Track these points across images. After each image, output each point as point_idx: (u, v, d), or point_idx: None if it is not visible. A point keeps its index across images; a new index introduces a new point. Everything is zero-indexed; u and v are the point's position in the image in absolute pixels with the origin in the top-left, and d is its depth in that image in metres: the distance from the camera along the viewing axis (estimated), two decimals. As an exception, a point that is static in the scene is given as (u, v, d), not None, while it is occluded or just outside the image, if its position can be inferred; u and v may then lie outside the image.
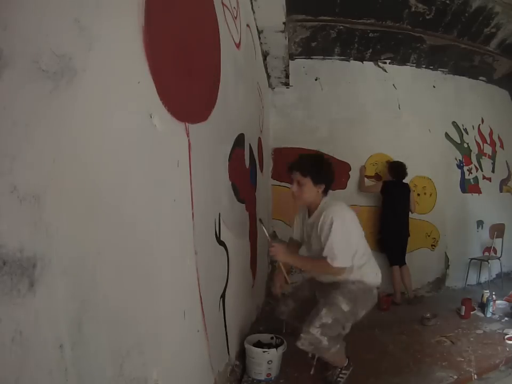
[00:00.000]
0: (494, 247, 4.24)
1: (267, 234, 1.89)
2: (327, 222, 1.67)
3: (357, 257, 1.74)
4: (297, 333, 1.70)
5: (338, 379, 1.89)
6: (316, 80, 4.08)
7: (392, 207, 3.73)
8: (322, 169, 1.75)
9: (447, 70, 4.39)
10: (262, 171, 3.18)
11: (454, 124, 4.41)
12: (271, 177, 3.94)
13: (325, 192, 1.80)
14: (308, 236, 1.88)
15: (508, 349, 2.40)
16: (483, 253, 4.37)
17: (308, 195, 1.76)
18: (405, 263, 3.68)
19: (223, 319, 1.74)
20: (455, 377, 2.05)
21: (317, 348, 1.68)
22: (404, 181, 3.75)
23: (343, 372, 1.91)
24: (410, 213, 3.78)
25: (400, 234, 3.71)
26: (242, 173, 2.26)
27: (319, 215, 1.74)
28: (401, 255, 3.71)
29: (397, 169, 3.73)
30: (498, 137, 4.74)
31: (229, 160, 1.85)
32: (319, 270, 1.77)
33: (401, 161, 3.78)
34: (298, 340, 1.66)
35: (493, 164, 4.67)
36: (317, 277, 1.96)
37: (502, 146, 4.77)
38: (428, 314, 2.98)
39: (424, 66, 4.30)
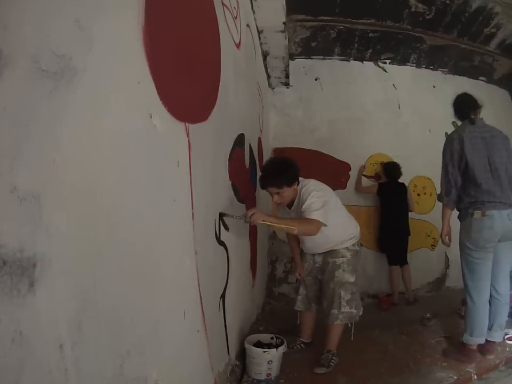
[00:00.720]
0: (494, 247, 4.24)
1: (236, 216, 1.78)
2: (305, 196, 1.91)
3: (344, 225, 2.09)
4: (321, 313, 2.19)
5: (331, 363, 2.11)
6: (316, 80, 4.08)
7: (389, 208, 3.72)
8: (290, 173, 1.95)
9: (447, 70, 4.39)
10: (262, 171, 3.18)
11: (454, 124, 4.38)
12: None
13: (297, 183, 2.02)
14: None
15: (507, 349, 2.39)
16: (483, 253, 4.36)
17: (289, 197, 2.00)
18: (406, 263, 3.67)
19: (223, 319, 1.74)
20: (455, 377, 2.05)
21: (352, 317, 2.11)
22: (400, 180, 3.75)
23: (334, 358, 2.13)
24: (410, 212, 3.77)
25: (399, 234, 3.69)
26: (242, 173, 2.26)
27: (298, 200, 1.99)
28: (401, 254, 3.70)
29: (391, 170, 3.72)
30: (499, 137, 4.73)
31: (229, 160, 1.85)
32: (300, 226, 1.83)
33: (395, 161, 3.78)
34: (336, 320, 2.06)
35: (493, 164, 4.66)
36: (313, 249, 2.21)
37: (502, 146, 4.76)
38: (428, 314, 2.97)
39: (424, 66, 4.30)
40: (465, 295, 2.23)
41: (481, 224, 2.10)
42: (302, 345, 2.38)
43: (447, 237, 2.34)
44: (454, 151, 2.36)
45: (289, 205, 2.07)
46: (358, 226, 2.25)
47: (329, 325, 2.14)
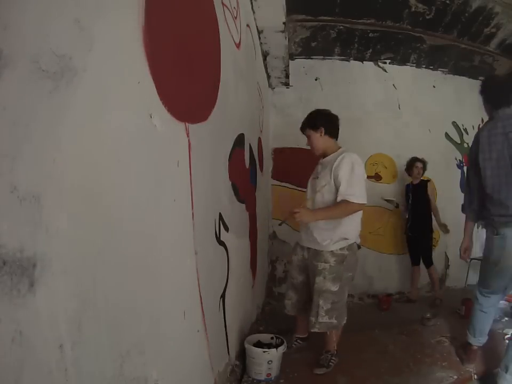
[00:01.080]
0: (494, 247, 4.24)
1: (284, 220, 2.01)
2: (346, 162, 1.88)
3: (351, 220, 1.93)
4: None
5: (330, 363, 2.09)
6: (316, 80, 4.08)
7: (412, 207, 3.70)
8: (315, 117, 2.05)
9: (447, 70, 4.39)
10: (262, 171, 3.18)
11: (454, 124, 4.41)
12: (271, 177, 3.94)
13: (331, 136, 2.08)
14: (313, 185, 2.06)
15: (508, 349, 2.39)
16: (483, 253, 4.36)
17: (316, 142, 2.05)
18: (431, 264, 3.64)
19: (223, 319, 1.74)
20: (455, 377, 2.05)
21: (331, 327, 2.01)
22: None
23: (333, 358, 2.11)
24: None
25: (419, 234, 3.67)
26: (242, 173, 2.26)
27: (334, 158, 1.96)
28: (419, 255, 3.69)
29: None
30: (498, 137, 4.73)
31: (229, 160, 1.85)
32: (343, 214, 1.84)
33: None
34: (314, 328, 1.98)
35: (493, 164, 4.66)
36: (305, 240, 2.11)
37: (502, 146, 4.76)
38: (428, 314, 2.98)
39: (424, 66, 4.30)
40: (474, 297, 2.17)
41: (492, 244, 1.85)
42: (299, 341, 2.37)
43: (466, 252, 2.13)
44: (471, 154, 1.99)
45: (324, 156, 2.07)
46: (358, 229, 2.06)
47: (325, 335, 2.11)
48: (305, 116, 2.17)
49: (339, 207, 1.83)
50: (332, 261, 1.94)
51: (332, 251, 1.95)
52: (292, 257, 2.21)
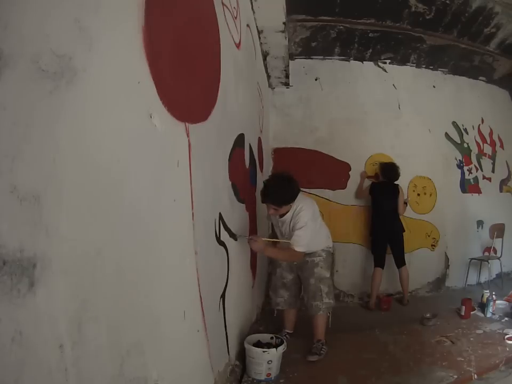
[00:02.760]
0: (494, 247, 4.24)
1: (244, 236, 2.15)
2: (300, 220, 2.14)
3: (318, 235, 2.32)
4: (304, 308, 2.47)
5: (322, 351, 2.28)
6: (316, 80, 4.08)
7: (378, 209, 3.66)
8: (290, 194, 2.12)
9: (447, 70, 4.39)
10: (262, 171, 3.18)
11: (454, 124, 4.41)
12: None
13: None
14: (280, 230, 2.36)
15: (508, 349, 2.39)
16: (483, 253, 4.37)
17: (284, 211, 2.19)
18: (404, 265, 3.61)
19: (223, 319, 1.74)
20: (455, 377, 2.05)
21: (330, 307, 2.35)
22: (398, 181, 3.69)
23: (324, 346, 2.31)
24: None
25: (388, 236, 3.61)
26: (242, 173, 2.26)
27: (291, 215, 2.20)
28: (394, 257, 3.64)
29: (389, 171, 3.66)
30: (498, 137, 4.74)
31: (229, 160, 1.85)
32: (287, 258, 2.29)
33: (395, 163, 3.72)
34: (319, 311, 2.30)
35: (493, 163, 4.67)
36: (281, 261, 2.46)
37: (502, 146, 4.77)
38: (428, 314, 2.97)
39: (424, 66, 4.30)
40: None
41: None
42: (287, 336, 2.51)
43: None
44: None
45: (281, 215, 2.26)
46: (330, 236, 2.50)
47: (314, 316, 2.35)
48: (270, 185, 2.12)
49: (285, 253, 2.22)
50: (323, 254, 2.39)
51: (322, 249, 2.40)
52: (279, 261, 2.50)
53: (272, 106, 4.02)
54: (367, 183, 3.96)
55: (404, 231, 3.65)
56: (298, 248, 2.13)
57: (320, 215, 2.44)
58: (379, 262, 3.61)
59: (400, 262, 3.62)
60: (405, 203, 3.74)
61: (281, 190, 2.08)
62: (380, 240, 3.64)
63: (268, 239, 2.31)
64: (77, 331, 0.67)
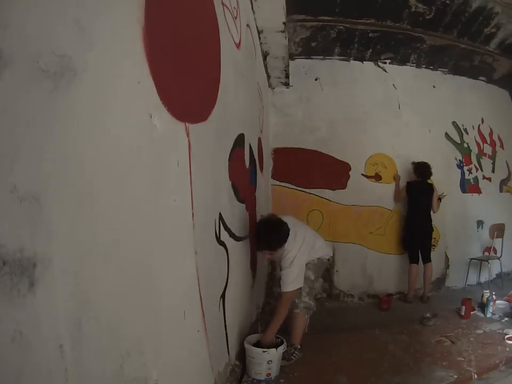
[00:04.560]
0: (494, 247, 4.25)
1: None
2: (284, 263, 2.18)
3: (312, 252, 2.34)
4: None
5: (292, 356, 2.23)
6: (316, 80, 4.08)
7: (414, 207, 3.79)
8: (282, 238, 2.14)
9: (447, 70, 4.39)
10: (262, 171, 3.18)
11: (454, 123, 4.41)
12: (271, 177, 3.94)
13: None
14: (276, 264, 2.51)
15: (508, 349, 2.40)
16: (483, 253, 4.37)
17: (279, 254, 2.22)
18: (429, 261, 3.74)
19: (223, 319, 1.74)
20: (455, 376, 2.05)
21: (309, 308, 2.35)
22: (428, 181, 3.82)
23: (296, 352, 2.27)
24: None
25: (420, 233, 3.75)
26: (242, 173, 2.26)
27: (281, 257, 2.22)
28: (421, 253, 3.75)
29: (423, 169, 3.77)
30: (498, 137, 4.74)
31: (229, 160, 1.85)
32: (285, 310, 2.21)
33: (425, 161, 3.81)
34: (297, 308, 2.29)
35: (493, 163, 4.67)
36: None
37: (502, 146, 4.77)
38: (428, 314, 2.98)
39: (424, 66, 4.30)
40: None
41: None
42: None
43: None
44: None
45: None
46: (328, 247, 2.53)
47: (291, 313, 2.29)
48: (261, 233, 2.16)
49: (279, 310, 2.19)
50: (315, 260, 2.40)
51: (318, 257, 2.41)
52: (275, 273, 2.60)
53: (272, 106, 4.02)
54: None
55: (433, 230, 3.79)
56: (285, 289, 2.15)
57: (315, 235, 2.49)
58: (414, 258, 3.75)
59: (427, 258, 3.75)
60: (439, 199, 3.86)
61: (273, 236, 2.12)
62: (414, 236, 3.77)
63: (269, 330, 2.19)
64: (77, 331, 0.67)
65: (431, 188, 3.79)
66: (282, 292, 2.17)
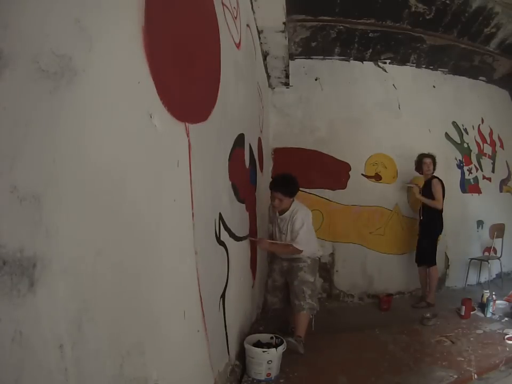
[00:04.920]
0: (494, 247, 4.24)
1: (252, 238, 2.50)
2: (297, 221, 2.44)
3: (309, 242, 2.52)
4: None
5: (302, 344, 2.35)
6: (316, 80, 4.08)
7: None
8: (295, 187, 2.49)
9: (447, 70, 4.39)
10: (262, 171, 3.18)
11: (454, 123, 4.41)
12: (271, 177, 3.93)
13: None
14: (279, 227, 2.61)
15: (508, 349, 2.40)
16: (483, 253, 4.37)
17: (285, 205, 2.50)
18: (433, 264, 3.57)
19: (223, 319, 1.74)
20: (455, 376, 2.05)
21: (313, 309, 2.49)
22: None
23: (302, 343, 2.37)
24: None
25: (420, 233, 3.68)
26: (242, 173, 2.26)
27: (290, 214, 2.50)
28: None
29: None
30: (498, 137, 4.74)
31: (229, 160, 1.85)
32: (289, 253, 2.52)
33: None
34: (302, 310, 2.42)
35: (493, 163, 4.67)
36: (282, 256, 2.66)
37: (502, 146, 4.77)
38: (428, 314, 2.98)
39: (424, 66, 4.30)
40: None
41: None
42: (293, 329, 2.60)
43: None
44: None
45: (280, 212, 2.55)
46: (319, 248, 2.74)
47: (296, 314, 2.44)
48: (280, 177, 2.51)
49: (287, 248, 2.49)
50: (308, 261, 2.54)
51: (308, 256, 2.55)
52: (273, 266, 2.71)
53: (272, 106, 4.02)
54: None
55: (435, 229, 3.63)
56: (299, 246, 2.42)
57: (313, 229, 2.63)
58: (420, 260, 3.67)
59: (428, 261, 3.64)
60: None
61: (289, 182, 2.46)
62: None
63: (271, 241, 2.63)
64: (77, 331, 0.67)
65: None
66: (295, 244, 2.40)
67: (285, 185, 2.45)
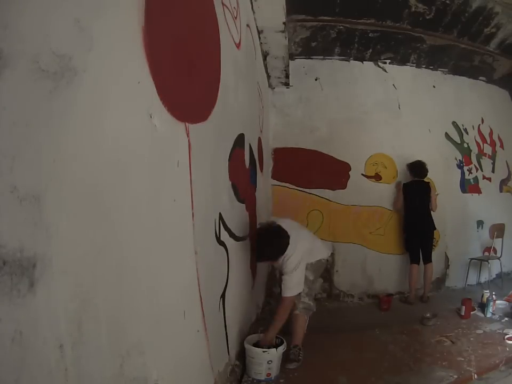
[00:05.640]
0: (494, 247, 4.24)
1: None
2: (285, 268, 2.18)
3: (312, 253, 2.36)
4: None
5: (300, 357, 2.23)
6: (316, 80, 4.08)
7: (411, 207, 3.78)
8: (283, 249, 2.16)
9: (447, 70, 4.39)
10: (262, 171, 3.18)
11: (454, 123, 4.41)
12: (271, 177, 3.94)
13: None
14: (278, 270, 2.44)
15: (508, 349, 2.40)
16: (483, 253, 4.37)
17: (279, 262, 2.23)
18: (430, 261, 3.72)
19: (223, 319, 1.74)
20: (455, 376, 2.05)
21: (309, 309, 2.37)
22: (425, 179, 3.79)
23: (301, 352, 2.26)
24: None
25: (421, 232, 3.73)
26: (242, 173, 2.26)
27: (281, 263, 2.23)
28: (422, 253, 3.74)
29: (417, 168, 3.76)
30: (498, 137, 4.74)
31: (229, 160, 1.85)
32: (285, 313, 2.21)
33: (420, 160, 3.78)
34: (297, 309, 2.30)
35: (493, 163, 4.67)
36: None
37: (502, 146, 4.77)
38: (428, 314, 2.98)
39: (424, 66, 4.30)
40: None
41: None
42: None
43: None
44: None
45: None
46: (327, 248, 2.58)
47: (291, 316, 2.29)
48: (260, 244, 2.20)
49: (280, 313, 2.20)
50: (314, 261, 2.39)
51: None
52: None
53: (272, 106, 4.02)
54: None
55: (435, 228, 3.76)
56: (286, 294, 2.17)
57: (314, 237, 2.51)
58: (415, 258, 3.74)
59: (427, 258, 3.73)
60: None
61: (274, 248, 2.15)
62: (413, 237, 3.76)
63: (266, 331, 2.22)
64: (77, 331, 0.67)
65: (428, 186, 3.75)
66: (283, 297, 2.18)
67: (269, 251, 2.17)
